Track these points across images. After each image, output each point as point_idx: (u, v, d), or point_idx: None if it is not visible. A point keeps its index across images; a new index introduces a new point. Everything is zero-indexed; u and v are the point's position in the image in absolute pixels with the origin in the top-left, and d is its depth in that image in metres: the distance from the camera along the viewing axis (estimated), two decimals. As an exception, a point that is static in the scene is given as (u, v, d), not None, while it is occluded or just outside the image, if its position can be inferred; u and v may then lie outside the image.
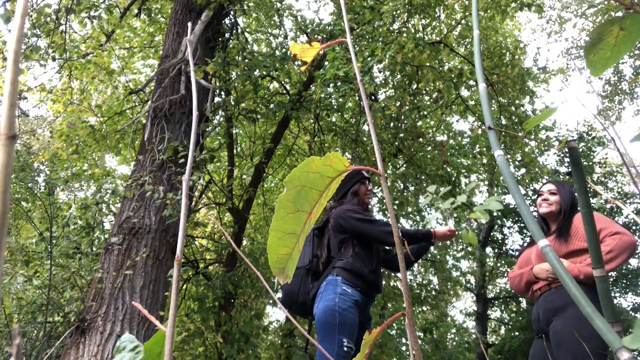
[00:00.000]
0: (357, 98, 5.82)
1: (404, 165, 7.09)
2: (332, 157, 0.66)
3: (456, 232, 2.47)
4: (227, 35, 5.81)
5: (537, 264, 2.36)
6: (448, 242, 9.72)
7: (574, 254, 2.25)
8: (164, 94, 4.81)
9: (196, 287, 5.38)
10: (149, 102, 4.97)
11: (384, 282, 6.05)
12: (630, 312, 10.10)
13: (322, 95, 4.84)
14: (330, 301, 2.28)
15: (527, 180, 8.28)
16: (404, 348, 8.62)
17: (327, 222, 2.63)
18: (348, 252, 2.45)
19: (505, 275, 11.43)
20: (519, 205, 0.65)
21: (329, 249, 2.56)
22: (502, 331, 11.91)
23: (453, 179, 7.14)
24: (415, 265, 8.62)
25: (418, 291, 9.27)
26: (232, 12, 5.84)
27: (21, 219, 6.84)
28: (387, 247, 2.63)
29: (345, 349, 2.19)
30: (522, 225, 10.89)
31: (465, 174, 7.85)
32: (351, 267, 2.38)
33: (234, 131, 6.19)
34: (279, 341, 7.74)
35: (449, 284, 9.93)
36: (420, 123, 6.89)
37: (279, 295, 8.26)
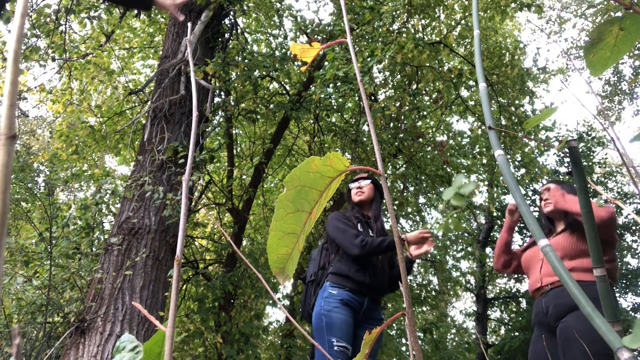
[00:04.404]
0: (356, 98, 5.82)
1: (404, 166, 7.09)
2: (332, 157, 0.66)
3: (429, 235, 2.38)
4: (226, 35, 5.81)
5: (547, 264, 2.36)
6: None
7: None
8: (163, 95, 4.81)
9: (196, 288, 5.37)
10: (149, 103, 4.97)
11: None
12: (630, 312, 10.11)
13: (322, 96, 4.84)
14: (318, 306, 2.39)
15: (527, 180, 8.28)
16: (404, 348, 8.63)
17: None
18: (337, 257, 2.53)
19: (505, 275, 11.43)
20: (519, 205, 0.65)
21: (328, 257, 2.63)
22: (502, 331, 11.92)
23: (453, 179, 7.13)
24: (415, 265, 8.61)
25: (418, 291, 9.27)
26: (231, 13, 5.84)
27: (21, 219, 6.84)
28: (393, 263, 2.64)
29: (335, 348, 2.23)
30: (522, 225, 10.89)
31: (465, 174, 7.85)
32: (337, 270, 2.46)
33: (234, 131, 6.18)
34: (279, 341, 7.74)
35: (448, 284, 9.92)
36: (420, 123, 6.89)
37: (279, 295, 8.23)
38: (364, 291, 2.43)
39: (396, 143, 5.97)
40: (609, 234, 2.18)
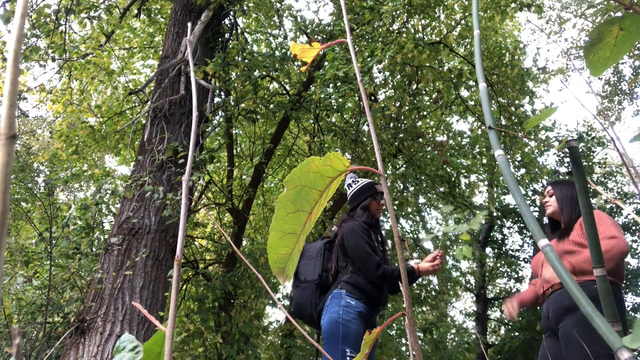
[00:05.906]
0: (356, 98, 5.82)
1: (404, 166, 7.09)
2: (333, 157, 0.66)
3: (440, 265, 2.53)
4: (226, 35, 5.81)
5: (545, 267, 2.39)
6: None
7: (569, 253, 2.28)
8: (163, 95, 4.81)
9: (196, 288, 5.38)
10: (149, 103, 4.97)
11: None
12: (630, 312, 10.10)
13: (322, 96, 4.84)
14: (335, 313, 2.40)
15: (527, 180, 8.28)
16: (404, 348, 8.62)
17: (338, 234, 2.66)
18: (352, 268, 2.54)
19: (505, 275, 11.44)
20: (519, 205, 0.65)
21: (337, 262, 2.61)
22: (502, 331, 11.91)
23: (453, 179, 7.14)
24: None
25: (418, 291, 9.27)
26: (231, 13, 5.84)
27: (21, 220, 6.84)
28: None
29: (348, 358, 2.29)
30: (522, 225, 10.89)
31: (465, 174, 7.85)
32: (354, 282, 2.48)
33: (234, 131, 6.18)
34: (279, 341, 7.74)
35: (448, 284, 9.92)
36: (420, 123, 6.89)
37: (279, 295, 8.24)
38: (374, 304, 2.51)
39: (396, 143, 5.97)
40: (617, 264, 2.21)
